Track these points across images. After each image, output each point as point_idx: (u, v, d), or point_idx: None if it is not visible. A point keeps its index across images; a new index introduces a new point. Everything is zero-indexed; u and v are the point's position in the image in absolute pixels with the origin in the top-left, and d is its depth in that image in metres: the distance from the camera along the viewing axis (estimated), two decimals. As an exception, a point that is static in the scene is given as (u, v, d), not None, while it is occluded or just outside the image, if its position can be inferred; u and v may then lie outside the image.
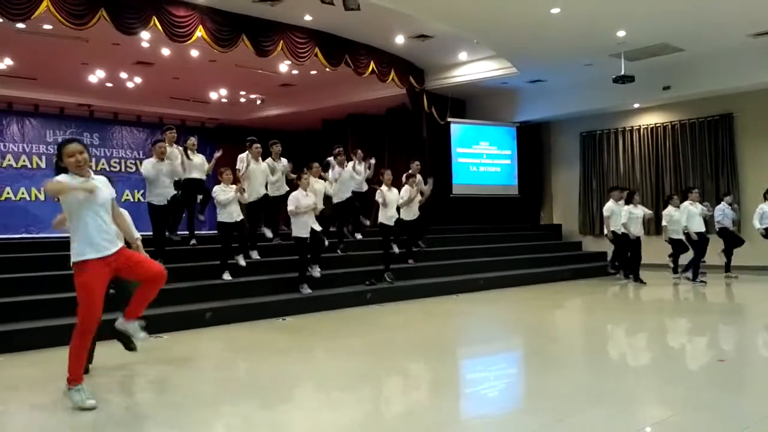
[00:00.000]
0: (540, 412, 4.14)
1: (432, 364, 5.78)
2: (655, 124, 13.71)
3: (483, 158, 14.53)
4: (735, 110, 12.58)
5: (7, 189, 14.25)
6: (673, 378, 5.11)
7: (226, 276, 8.40)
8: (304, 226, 8.42)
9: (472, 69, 13.20)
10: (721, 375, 5.04)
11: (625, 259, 11.17)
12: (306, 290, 8.56)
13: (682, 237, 10.86)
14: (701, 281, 10.68)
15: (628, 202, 11.04)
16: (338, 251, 10.24)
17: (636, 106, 13.57)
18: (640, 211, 10.96)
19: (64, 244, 6.36)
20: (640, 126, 13.94)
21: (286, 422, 4.10)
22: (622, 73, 11.10)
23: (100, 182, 4.30)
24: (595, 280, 11.17)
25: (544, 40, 10.69)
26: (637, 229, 10.85)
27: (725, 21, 9.88)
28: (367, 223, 11.10)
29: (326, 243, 8.97)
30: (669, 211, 10.94)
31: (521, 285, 11.03)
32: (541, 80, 13.29)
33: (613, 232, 11.00)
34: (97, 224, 4.14)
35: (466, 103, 15.07)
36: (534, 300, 9.81)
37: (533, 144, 15.18)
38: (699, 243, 10.66)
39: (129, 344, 5.07)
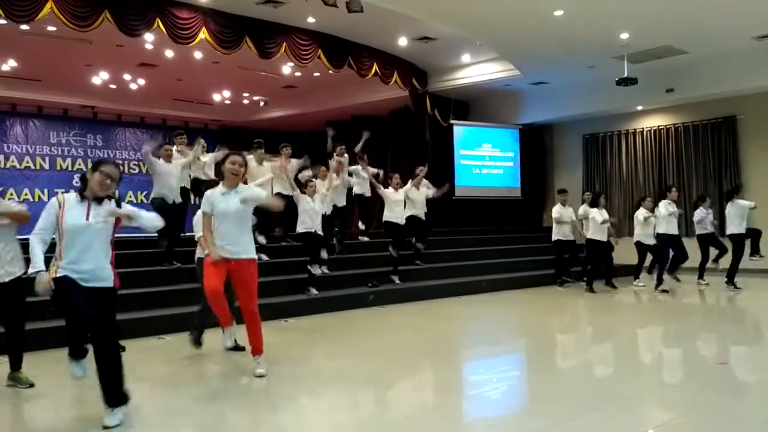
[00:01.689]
0: (543, 414, 4.14)
1: (435, 366, 5.78)
2: (659, 126, 13.69)
3: (486, 160, 14.52)
4: (739, 113, 12.55)
5: (11, 190, 14.26)
6: (675, 381, 5.11)
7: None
8: (306, 224, 8.51)
9: (475, 71, 13.20)
10: (723, 378, 5.03)
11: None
12: (316, 270, 8.63)
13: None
14: (664, 290, 10.30)
15: (593, 205, 10.57)
16: (336, 253, 10.21)
17: (639, 108, 13.56)
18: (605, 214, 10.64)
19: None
20: (643, 128, 13.92)
21: (288, 423, 4.10)
22: (626, 75, 11.08)
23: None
24: (599, 283, 11.13)
25: (548, 42, 10.69)
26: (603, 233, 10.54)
27: (730, 23, 9.86)
28: (362, 227, 11.11)
29: (324, 254, 9.09)
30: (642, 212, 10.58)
31: (524, 287, 11.01)
32: (544, 82, 13.29)
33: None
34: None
35: (469, 105, 15.07)
36: (537, 302, 9.80)
37: (536, 146, 15.16)
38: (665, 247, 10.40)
39: None
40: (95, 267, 3.86)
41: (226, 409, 4.37)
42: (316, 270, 8.66)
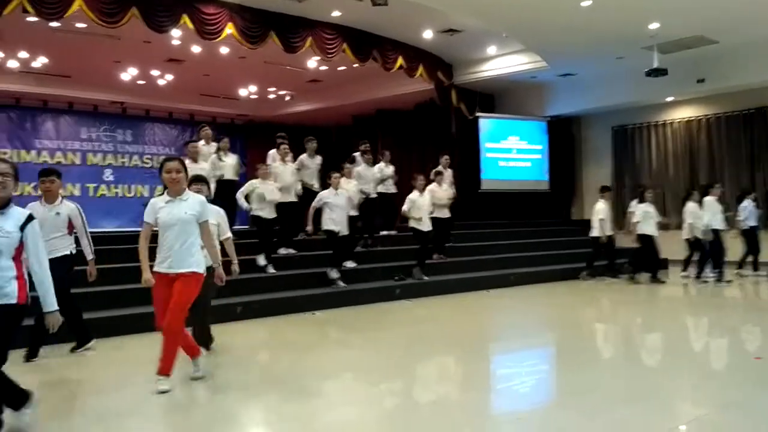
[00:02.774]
0: (572, 408, 4.10)
1: (462, 360, 5.76)
2: (689, 117, 13.45)
3: (513, 153, 14.40)
4: (772, 103, 12.29)
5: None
6: (708, 375, 5.02)
7: (261, 261, 8.59)
8: (333, 223, 8.54)
9: (501, 63, 13.09)
10: (758, 373, 4.93)
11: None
12: (334, 274, 8.66)
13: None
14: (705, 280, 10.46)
15: (641, 200, 10.72)
16: (361, 247, 10.26)
17: (669, 99, 13.33)
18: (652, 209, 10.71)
19: (98, 239, 6.50)
20: (673, 120, 13.69)
21: (315, 414, 4.12)
22: (655, 66, 10.90)
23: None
24: (608, 278, 11.03)
25: (575, 33, 10.55)
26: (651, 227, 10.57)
27: (761, 12, 9.63)
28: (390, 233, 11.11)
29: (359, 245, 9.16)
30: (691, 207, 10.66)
31: (552, 281, 10.92)
32: (571, 74, 13.13)
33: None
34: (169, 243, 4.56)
35: (495, 97, 14.95)
36: (565, 296, 9.72)
37: (565, 138, 15.00)
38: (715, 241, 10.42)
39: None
40: None
41: (249, 400, 4.41)
42: (333, 274, 8.67)
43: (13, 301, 3.42)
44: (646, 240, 10.54)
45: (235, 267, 5.48)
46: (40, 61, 12.36)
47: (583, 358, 5.68)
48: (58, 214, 5.52)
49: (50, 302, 3.56)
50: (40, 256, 3.55)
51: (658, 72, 10.91)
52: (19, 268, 3.49)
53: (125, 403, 4.29)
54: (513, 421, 3.97)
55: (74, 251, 5.70)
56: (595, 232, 11.04)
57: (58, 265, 5.21)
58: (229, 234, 5.62)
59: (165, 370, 4.51)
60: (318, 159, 10.12)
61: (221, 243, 5.49)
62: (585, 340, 6.68)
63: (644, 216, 10.53)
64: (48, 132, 14.92)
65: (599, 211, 11.03)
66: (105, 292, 6.95)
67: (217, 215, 5.47)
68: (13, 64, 12.27)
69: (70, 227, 5.65)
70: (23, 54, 11.90)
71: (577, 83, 13.46)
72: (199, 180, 5.45)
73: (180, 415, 4.18)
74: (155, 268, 4.57)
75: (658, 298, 9.60)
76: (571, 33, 10.57)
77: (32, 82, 13.49)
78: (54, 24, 9.48)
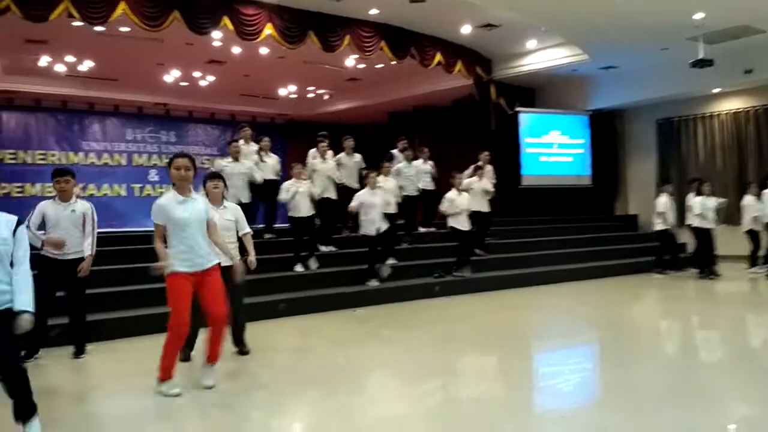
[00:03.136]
0: (618, 407, 4.03)
1: (503, 357, 5.72)
2: (737, 109, 13.06)
3: (554, 148, 14.19)
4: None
5: (91, 186, 14.94)
6: (757, 374, 4.87)
7: (299, 268, 8.58)
8: (371, 224, 8.56)
9: (541, 57, 12.91)
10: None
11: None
12: (373, 284, 8.65)
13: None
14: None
15: (698, 193, 10.67)
16: (405, 244, 10.28)
17: (716, 91, 12.96)
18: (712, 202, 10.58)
19: (146, 238, 6.65)
20: (720, 112, 13.31)
21: (357, 411, 4.14)
22: (700, 57, 10.60)
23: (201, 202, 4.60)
24: (673, 272, 10.76)
25: (617, 24, 10.34)
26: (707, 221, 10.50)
27: (813, -2, 9.28)
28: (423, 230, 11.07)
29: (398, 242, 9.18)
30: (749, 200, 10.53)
31: (595, 277, 10.74)
32: (614, 66, 12.86)
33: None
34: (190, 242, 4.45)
35: (536, 92, 14.76)
36: (609, 293, 9.56)
37: (607, 132, 14.72)
38: None
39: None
40: None
41: (292, 396, 4.46)
42: (373, 283, 8.68)
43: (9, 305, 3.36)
44: (702, 234, 10.35)
45: (252, 260, 5.30)
46: (87, 65, 12.68)
47: (628, 355, 5.58)
48: (74, 211, 5.62)
49: (27, 301, 3.36)
50: (26, 258, 3.46)
51: (703, 63, 10.61)
52: None
53: (175, 400, 4.38)
54: (556, 420, 3.93)
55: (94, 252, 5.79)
56: (657, 226, 10.92)
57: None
58: (248, 229, 5.56)
59: (215, 358, 4.63)
60: (357, 157, 10.15)
61: (239, 239, 5.49)
62: (629, 338, 6.56)
63: (701, 209, 10.43)
64: (95, 134, 15.30)
65: (659, 205, 10.92)
66: (132, 292, 7.13)
67: (234, 211, 5.47)
68: (60, 68, 12.63)
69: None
70: (70, 58, 12.23)
71: (619, 76, 13.19)
72: (216, 177, 5.48)
73: (221, 410, 4.25)
74: (176, 269, 4.42)
75: (708, 293, 9.37)
76: (614, 25, 10.36)
77: (79, 86, 13.87)
78: (99, 28, 9.69)
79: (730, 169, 13.08)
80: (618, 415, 3.84)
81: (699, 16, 9.86)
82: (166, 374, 4.46)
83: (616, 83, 13.40)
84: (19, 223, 3.47)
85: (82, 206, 5.74)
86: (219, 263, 4.66)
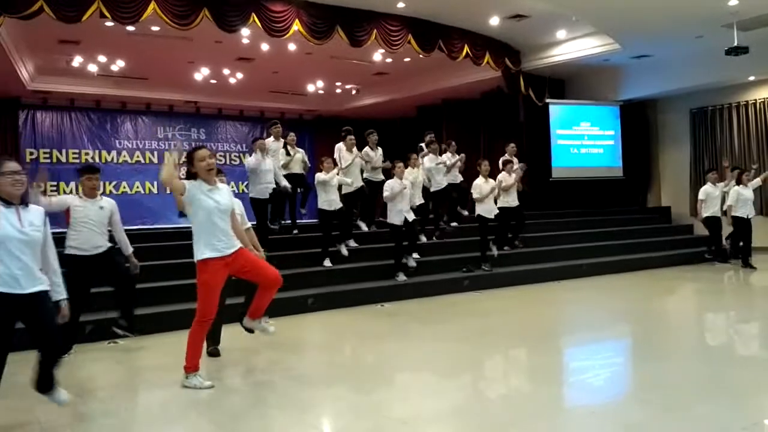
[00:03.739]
0: (649, 403, 3.97)
1: (533, 351, 5.67)
2: (774, 97, 12.74)
3: (584, 139, 14.01)
4: None
5: (124, 183, 15.20)
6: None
7: (327, 263, 8.62)
8: (398, 215, 8.55)
9: (571, 47, 12.72)
10: None
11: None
12: (401, 278, 8.65)
13: None
14: None
15: (738, 182, 10.57)
16: (434, 238, 10.26)
17: (751, 78, 12.63)
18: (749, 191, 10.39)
19: (179, 234, 6.75)
20: (756, 100, 12.97)
21: (387, 406, 4.14)
22: (735, 44, 10.34)
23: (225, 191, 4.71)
24: (706, 265, 10.56)
25: (649, 12, 10.13)
26: (746, 211, 10.33)
27: None
28: (465, 213, 11.05)
29: (422, 238, 9.13)
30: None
31: (627, 271, 10.59)
32: (646, 55, 12.62)
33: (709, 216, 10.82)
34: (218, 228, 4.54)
35: (566, 82, 14.56)
36: (641, 286, 9.41)
37: (639, 123, 14.47)
38: None
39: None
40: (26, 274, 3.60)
41: (321, 391, 4.48)
42: (401, 277, 8.66)
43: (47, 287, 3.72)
44: (741, 223, 10.17)
45: (261, 254, 5.20)
46: (118, 65, 12.88)
47: (660, 350, 5.49)
48: (101, 208, 5.70)
49: (63, 291, 3.83)
50: (53, 247, 3.83)
51: (738, 50, 10.35)
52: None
53: (203, 392, 4.44)
54: (587, 415, 3.88)
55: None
56: (705, 213, 10.93)
57: (115, 255, 5.81)
58: (249, 224, 5.72)
59: (259, 313, 4.82)
60: (379, 151, 10.17)
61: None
62: (662, 332, 6.45)
63: (739, 198, 10.30)
64: (127, 132, 15.56)
65: (700, 192, 10.97)
66: (163, 288, 7.22)
67: (239, 206, 5.56)
68: (92, 68, 12.84)
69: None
70: (102, 58, 12.43)
71: (652, 65, 12.94)
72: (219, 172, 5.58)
73: (250, 401, 4.29)
74: (208, 255, 4.47)
75: (743, 285, 9.16)
76: (646, 13, 10.15)
77: (111, 85, 14.09)
78: (130, 28, 9.85)
79: (766, 158, 12.76)
80: (650, 411, 3.78)
81: (734, 2, 9.62)
82: (193, 363, 4.53)
83: (648, 72, 13.15)
84: (46, 214, 3.79)
85: (109, 203, 5.83)
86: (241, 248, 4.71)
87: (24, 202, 3.68)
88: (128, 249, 5.90)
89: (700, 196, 10.99)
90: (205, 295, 4.51)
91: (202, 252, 4.49)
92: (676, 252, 11.61)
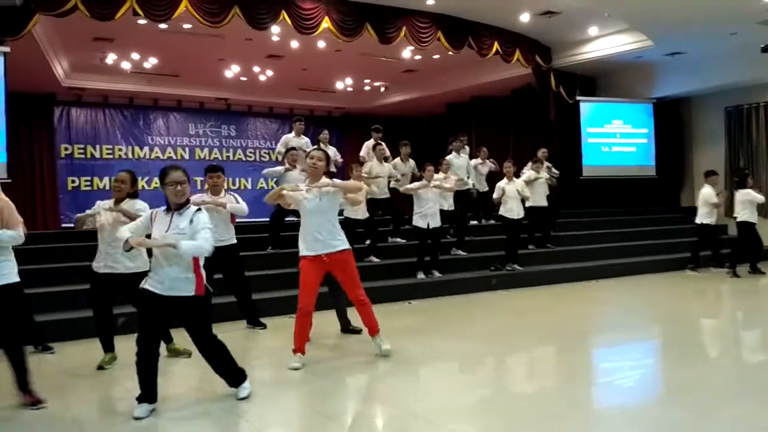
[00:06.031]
0: (681, 405, 3.90)
1: (562, 351, 5.62)
2: (812, 94, 12.40)
3: (616, 138, 13.81)
4: None
5: (155, 179, 15.39)
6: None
7: (375, 259, 8.80)
8: (422, 219, 8.51)
9: (603, 44, 12.54)
10: None
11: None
12: (421, 276, 8.62)
13: None
14: None
15: (741, 186, 10.06)
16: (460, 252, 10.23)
17: (788, 76, 12.33)
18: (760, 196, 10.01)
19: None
20: (795, 98, 12.66)
21: (413, 401, 4.13)
22: (771, 40, 10.11)
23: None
24: (742, 266, 10.33)
25: (683, 9, 9.94)
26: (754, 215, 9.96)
27: None
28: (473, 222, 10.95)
29: (460, 252, 9.45)
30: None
31: (659, 271, 10.43)
32: (680, 52, 12.39)
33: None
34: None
35: (597, 80, 14.37)
36: (674, 287, 9.26)
37: (672, 121, 14.22)
38: None
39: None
40: (174, 277, 3.93)
41: (348, 386, 4.49)
42: (421, 276, 8.64)
43: (192, 293, 3.95)
44: (746, 228, 9.87)
45: None
46: (151, 62, 13.05)
47: (691, 352, 5.40)
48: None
49: (186, 245, 3.88)
50: (207, 236, 3.97)
51: (773, 47, 10.12)
52: (196, 263, 3.98)
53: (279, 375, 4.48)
54: (616, 416, 3.83)
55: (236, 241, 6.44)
56: (698, 219, 10.43)
57: (230, 253, 6.28)
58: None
59: (371, 331, 5.32)
60: (411, 163, 10.12)
61: None
62: (692, 334, 6.35)
63: (745, 202, 9.90)
64: (159, 129, 15.75)
65: (701, 196, 10.45)
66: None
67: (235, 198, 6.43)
68: (126, 65, 13.03)
69: (233, 217, 6.35)
70: (135, 55, 12.60)
71: (686, 62, 12.70)
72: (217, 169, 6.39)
73: (285, 394, 4.32)
74: (303, 253, 5.02)
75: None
76: (680, 9, 9.97)
77: (144, 82, 14.28)
78: (162, 26, 9.97)
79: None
80: (680, 413, 3.71)
81: (770, -2, 9.40)
82: (295, 346, 5.00)
83: (682, 70, 12.90)
84: (197, 211, 4.05)
85: (228, 199, 6.30)
86: (348, 249, 5.13)
87: (180, 208, 4.01)
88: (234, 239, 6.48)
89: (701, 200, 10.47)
90: (300, 286, 5.01)
91: (300, 248, 5.06)
92: (710, 252, 11.38)
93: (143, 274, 4.27)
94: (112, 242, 4.94)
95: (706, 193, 10.31)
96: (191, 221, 3.97)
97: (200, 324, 4.08)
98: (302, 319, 5.01)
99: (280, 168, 8.93)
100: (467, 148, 10.91)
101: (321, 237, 4.98)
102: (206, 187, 6.34)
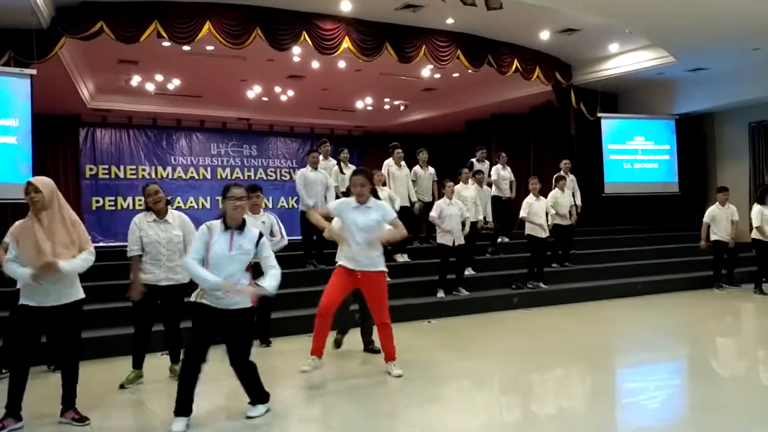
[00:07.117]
0: (707, 425, 3.82)
1: (585, 371, 5.53)
2: (837, 109, 12.21)
3: (638, 154, 13.70)
4: None
5: (178, 198, 15.56)
6: None
7: (440, 294, 8.64)
8: (448, 235, 8.45)
9: (624, 60, 12.48)
10: None
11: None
12: (441, 294, 8.57)
13: None
14: None
15: (761, 201, 9.87)
16: (487, 254, 10.19)
17: (813, 91, 12.15)
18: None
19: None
20: (819, 113, 12.47)
21: (434, 421, 4.09)
22: (795, 55, 10.00)
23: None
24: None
25: (705, 24, 9.87)
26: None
27: None
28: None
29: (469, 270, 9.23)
30: None
31: (683, 290, 10.24)
32: (702, 68, 12.28)
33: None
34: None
35: (618, 96, 14.29)
36: (698, 306, 9.10)
37: (695, 137, 14.07)
38: None
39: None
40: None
41: (368, 405, 4.46)
42: (441, 294, 8.58)
43: (248, 305, 4.16)
44: (762, 246, 9.70)
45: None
46: (174, 83, 13.26)
47: (715, 372, 5.29)
48: (263, 223, 6.32)
49: (269, 284, 4.14)
50: (273, 262, 4.26)
51: (797, 62, 10.00)
52: (250, 277, 4.18)
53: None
54: (641, 438, 3.76)
55: None
56: (713, 236, 10.30)
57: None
58: (286, 240, 6.65)
59: (388, 356, 5.34)
60: (430, 170, 10.14)
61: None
62: (716, 354, 6.22)
63: (761, 219, 9.71)
64: (182, 149, 15.95)
65: (705, 216, 10.37)
66: None
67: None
68: (150, 86, 13.26)
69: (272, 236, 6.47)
70: (159, 77, 12.83)
71: (708, 78, 12.58)
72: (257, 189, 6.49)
73: (293, 418, 4.30)
74: (341, 262, 5.17)
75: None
76: (702, 25, 9.90)
77: (167, 103, 14.51)
78: (186, 48, 10.13)
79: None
80: (709, 435, 3.63)
81: (792, 13, 9.30)
82: (312, 347, 5.06)
83: (704, 86, 12.78)
84: (261, 236, 4.24)
85: (269, 219, 6.56)
86: (382, 271, 5.23)
87: (240, 228, 4.13)
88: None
89: (706, 218, 10.39)
90: (327, 285, 5.16)
91: (337, 255, 5.27)
92: (735, 270, 11.16)
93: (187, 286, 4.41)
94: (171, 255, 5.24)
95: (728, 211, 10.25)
96: (257, 245, 4.17)
97: (247, 336, 4.24)
98: (320, 319, 5.07)
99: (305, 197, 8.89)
100: (486, 162, 10.95)
101: (360, 258, 5.08)
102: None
